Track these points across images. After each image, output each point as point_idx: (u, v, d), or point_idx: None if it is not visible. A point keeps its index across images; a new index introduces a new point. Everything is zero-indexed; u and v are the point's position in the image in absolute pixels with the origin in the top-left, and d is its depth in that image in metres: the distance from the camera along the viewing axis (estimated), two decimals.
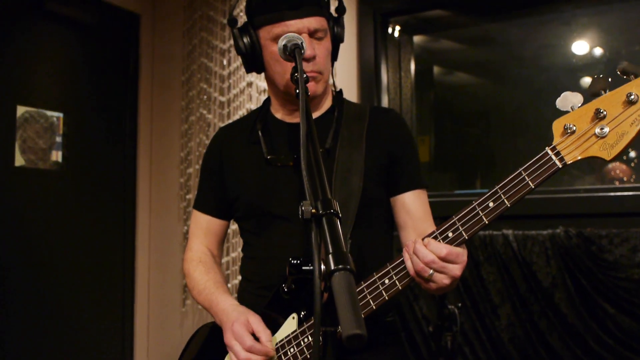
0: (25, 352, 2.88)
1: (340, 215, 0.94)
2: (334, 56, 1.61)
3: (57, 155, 3.08)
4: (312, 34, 1.48)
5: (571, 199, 2.57)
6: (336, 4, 1.59)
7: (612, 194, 2.52)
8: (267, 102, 1.70)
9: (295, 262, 1.10)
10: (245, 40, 1.54)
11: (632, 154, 2.75)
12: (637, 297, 2.26)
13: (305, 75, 1.28)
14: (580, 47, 2.94)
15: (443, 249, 1.22)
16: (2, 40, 2.87)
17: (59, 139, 3.09)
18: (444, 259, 1.22)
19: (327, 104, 1.65)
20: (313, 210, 0.93)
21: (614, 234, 2.33)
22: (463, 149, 3.39)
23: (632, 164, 2.80)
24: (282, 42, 1.37)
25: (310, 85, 1.47)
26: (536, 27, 3.09)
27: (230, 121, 2.68)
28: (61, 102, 3.13)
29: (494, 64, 3.36)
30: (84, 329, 3.20)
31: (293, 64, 1.36)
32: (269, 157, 1.56)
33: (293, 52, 1.33)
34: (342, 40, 1.60)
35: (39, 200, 3.00)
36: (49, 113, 3.05)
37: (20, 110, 2.91)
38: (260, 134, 1.60)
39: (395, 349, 1.58)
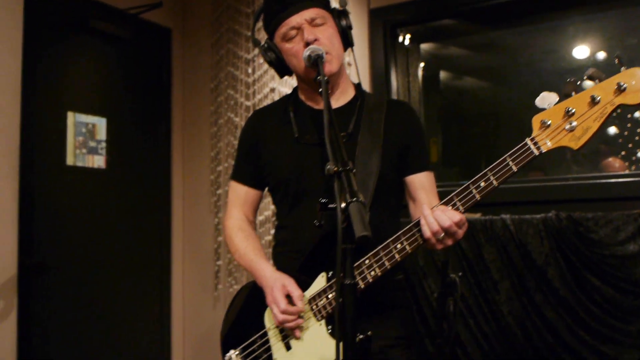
0: (68, 340, 3.12)
1: (354, 170, 1.30)
2: (346, 42, 1.78)
3: (101, 156, 3.40)
4: (311, 22, 1.69)
5: (562, 186, 2.73)
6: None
7: (597, 181, 2.69)
8: (296, 90, 1.91)
9: (323, 201, 1.37)
10: (268, 52, 1.80)
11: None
12: (620, 271, 2.41)
13: (321, 53, 1.61)
14: (581, 51, 3.11)
15: (457, 215, 1.48)
16: (55, 54, 3.19)
17: (103, 141, 3.42)
18: (457, 224, 1.49)
19: (350, 93, 1.85)
20: (335, 169, 1.30)
21: (599, 216, 2.48)
22: (468, 150, 3.52)
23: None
24: (306, 52, 1.65)
25: (326, 67, 1.66)
26: (537, 33, 3.22)
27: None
28: (104, 109, 3.42)
29: (498, 69, 3.47)
30: (127, 310, 3.46)
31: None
32: (297, 136, 1.78)
33: (315, 61, 1.61)
34: (350, 28, 1.77)
35: (86, 195, 3.30)
36: (94, 118, 3.37)
37: (70, 116, 3.25)
38: (292, 114, 1.82)
39: (402, 312, 1.80)
